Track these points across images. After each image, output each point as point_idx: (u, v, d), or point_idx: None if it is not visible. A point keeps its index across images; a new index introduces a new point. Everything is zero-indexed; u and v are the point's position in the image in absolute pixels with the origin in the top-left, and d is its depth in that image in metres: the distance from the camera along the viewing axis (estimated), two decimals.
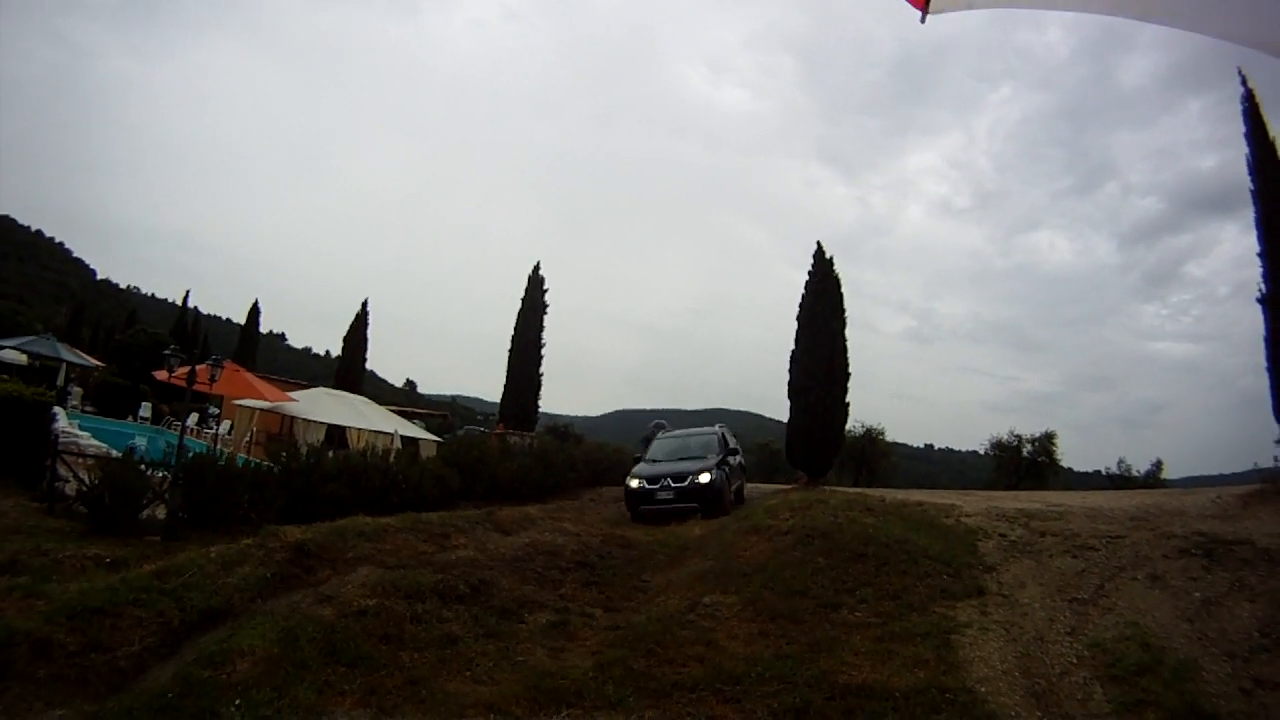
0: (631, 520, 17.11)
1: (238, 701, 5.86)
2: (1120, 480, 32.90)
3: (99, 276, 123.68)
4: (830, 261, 22.12)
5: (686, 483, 17.19)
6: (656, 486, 17.37)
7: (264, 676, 6.27)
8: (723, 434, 19.96)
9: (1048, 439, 35.49)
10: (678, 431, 21.74)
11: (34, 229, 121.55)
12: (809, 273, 22.27)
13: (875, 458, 36.22)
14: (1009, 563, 9.80)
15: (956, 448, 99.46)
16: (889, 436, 37.82)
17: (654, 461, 19.05)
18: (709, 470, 17.34)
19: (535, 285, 30.87)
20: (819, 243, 22.39)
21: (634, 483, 17.88)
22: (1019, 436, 36.02)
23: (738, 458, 20.05)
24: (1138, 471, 33.79)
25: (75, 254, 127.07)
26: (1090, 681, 6.77)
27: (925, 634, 7.78)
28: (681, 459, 18.58)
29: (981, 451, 38.96)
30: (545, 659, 7.32)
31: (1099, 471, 37.03)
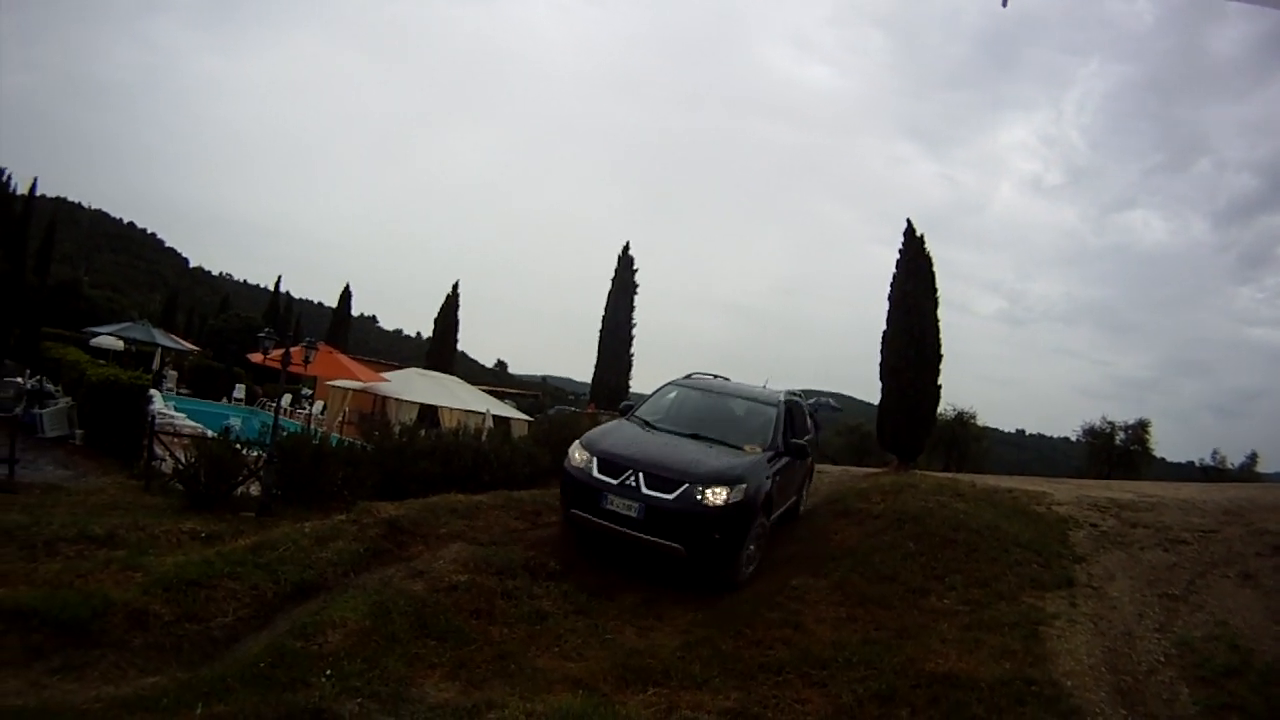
0: (565, 523, 10.14)
1: (328, 672, 5.95)
2: (1214, 472, 32.20)
3: (192, 264, 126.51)
4: (921, 239, 21.50)
5: (677, 495, 8.90)
6: (615, 482, 9.14)
7: (355, 648, 6.37)
8: (787, 410, 11.31)
9: (1141, 427, 34.92)
10: (720, 383, 12.51)
11: (126, 221, 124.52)
12: (900, 251, 21.64)
13: (966, 442, 35.83)
14: (1099, 554, 9.61)
15: (1048, 433, 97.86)
16: (980, 420, 37.38)
17: (649, 426, 10.71)
18: (738, 480, 9.18)
19: (625, 265, 30.70)
20: (909, 220, 21.65)
21: (577, 457, 9.74)
22: (1112, 423, 35.51)
23: (807, 457, 12.08)
24: (1232, 464, 33.08)
25: (168, 244, 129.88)
26: (1176, 681, 6.66)
27: (1013, 624, 7.65)
28: (699, 437, 10.26)
29: (1074, 438, 38.47)
30: (633, 637, 7.39)
31: (1192, 463, 36.35)
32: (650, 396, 12.09)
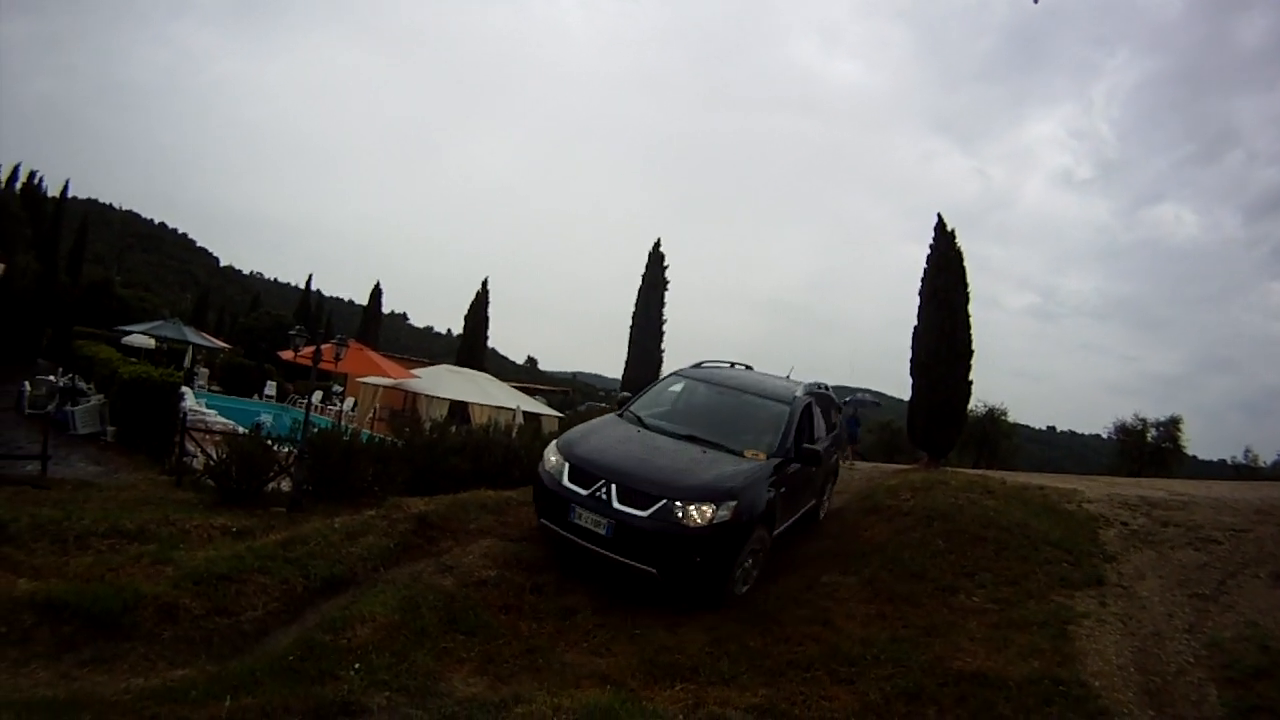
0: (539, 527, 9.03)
1: (357, 665, 5.99)
2: (1246, 471, 31.96)
3: (222, 264, 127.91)
4: (952, 234, 21.33)
5: (652, 511, 7.89)
6: (585, 493, 8.22)
7: (384, 642, 6.40)
8: (807, 407, 10.23)
9: (1173, 424, 34.76)
10: (732, 374, 11.14)
11: (157, 221, 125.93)
12: (930, 246, 21.51)
13: (997, 439, 35.76)
14: (1130, 553, 9.56)
15: (1079, 430, 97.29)
16: (1011, 417, 37.32)
17: (641, 424, 9.65)
18: (727, 496, 8.07)
19: (655, 262, 30.72)
20: (939, 215, 21.55)
21: (551, 460, 8.88)
22: (1143, 420, 35.33)
23: (820, 464, 10.21)
24: (1264, 462, 32.82)
25: (199, 243, 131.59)
26: (1205, 683, 6.60)
27: (1042, 623, 7.64)
28: (696, 439, 9.12)
29: (1105, 435, 38.34)
30: (662, 633, 7.36)
31: (1224, 460, 36.15)
32: (652, 387, 11.15)
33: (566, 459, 8.65)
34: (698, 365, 11.44)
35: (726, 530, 7.94)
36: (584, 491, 8.22)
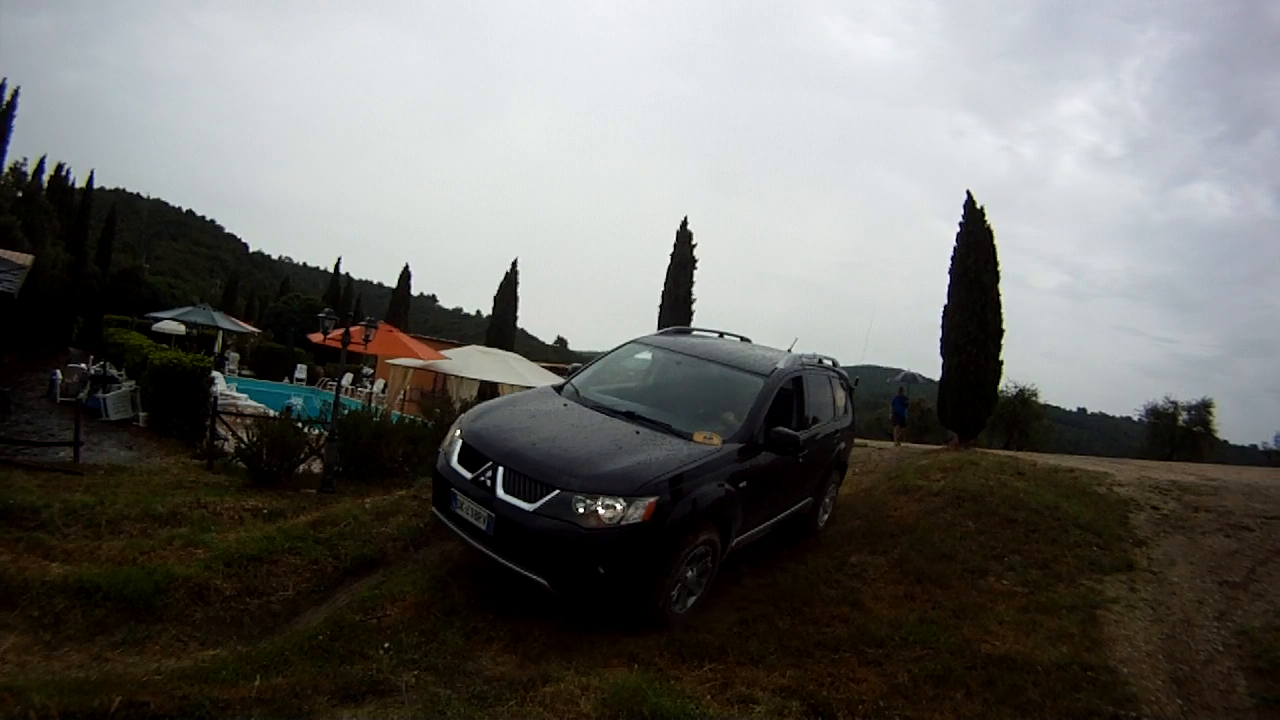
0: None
1: (387, 644, 6.02)
2: (1278, 457, 31.84)
3: (251, 249, 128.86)
4: (981, 212, 21.19)
5: (540, 505, 6.20)
6: (469, 477, 6.68)
7: (413, 621, 6.44)
8: (794, 384, 8.60)
9: (1205, 408, 34.69)
10: (704, 343, 9.21)
11: (185, 209, 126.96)
12: (959, 224, 21.37)
13: (1028, 420, 35.75)
14: (1160, 538, 9.51)
15: (1110, 413, 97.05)
16: (1041, 398, 37.33)
17: (574, 398, 8.08)
18: (642, 490, 6.19)
19: (684, 240, 30.60)
20: (969, 192, 21.39)
21: (449, 436, 7.41)
22: (1175, 403, 35.25)
23: (799, 453, 7.72)
24: None
25: (227, 230, 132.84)
26: (1234, 672, 6.54)
27: (1071, 607, 7.61)
28: (635, 417, 7.45)
29: (1136, 418, 38.30)
30: (690, 613, 7.36)
31: (1255, 446, 36.03)
32: (603, 357, 9.22)
33: (462, 435, 7.15)
34: (674, 332, 9.80)
35: (643, 533, 6.19)
36: (469, 475, 6.72)
